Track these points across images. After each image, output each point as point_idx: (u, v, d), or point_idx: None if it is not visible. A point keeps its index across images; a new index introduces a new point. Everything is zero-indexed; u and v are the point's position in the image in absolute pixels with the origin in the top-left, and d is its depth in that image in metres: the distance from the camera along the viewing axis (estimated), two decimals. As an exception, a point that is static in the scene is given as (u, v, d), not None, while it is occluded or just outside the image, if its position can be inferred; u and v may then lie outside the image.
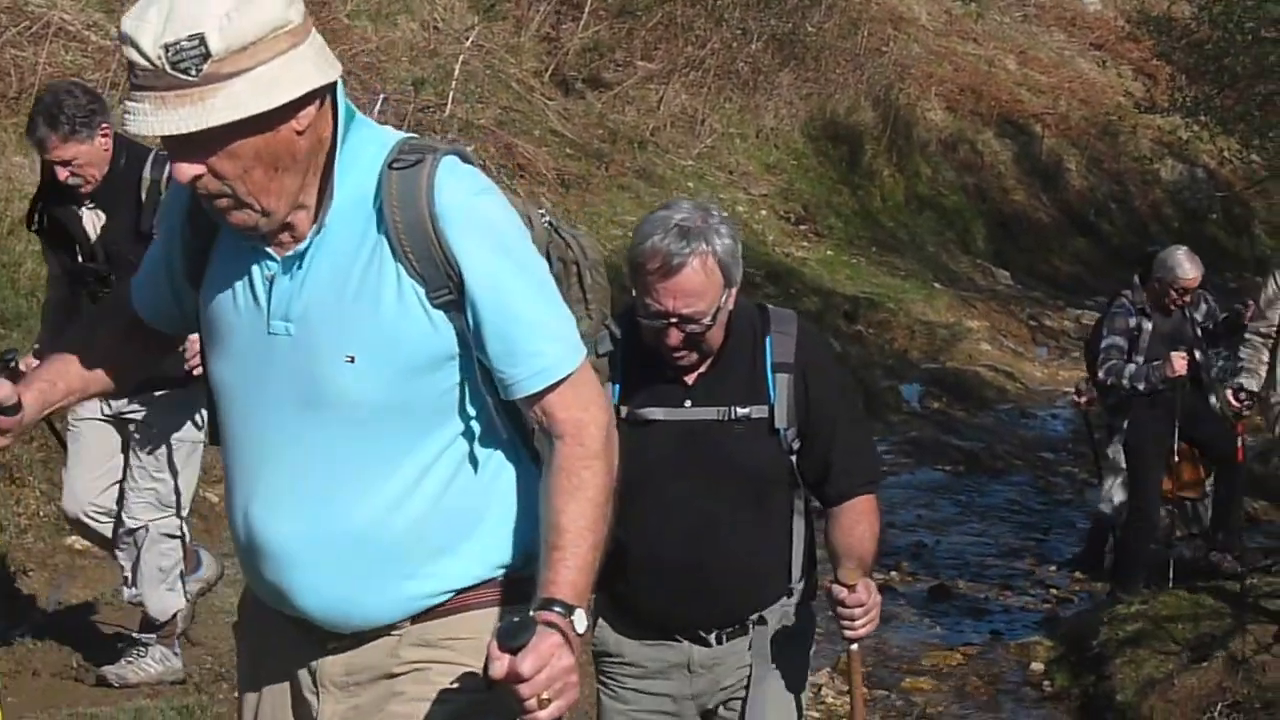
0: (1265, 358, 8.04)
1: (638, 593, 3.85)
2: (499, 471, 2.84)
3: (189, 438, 6.15)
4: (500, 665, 2.47)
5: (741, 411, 3.75)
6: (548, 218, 2.99)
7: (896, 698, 8.06)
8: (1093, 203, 24.02)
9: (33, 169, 8.56)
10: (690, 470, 3.76)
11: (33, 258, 8.92)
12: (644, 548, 3.77)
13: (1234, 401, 8.33)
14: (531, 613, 2.56)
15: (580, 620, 2.58)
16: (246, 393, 2.79)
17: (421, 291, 2.69)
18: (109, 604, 7.30)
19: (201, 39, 2.47)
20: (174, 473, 6.17)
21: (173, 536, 6.29)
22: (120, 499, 6.28)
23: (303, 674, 2.89)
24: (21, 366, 6.12)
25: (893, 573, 10.11)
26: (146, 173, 5.88)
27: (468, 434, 2.79)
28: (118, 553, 6.39)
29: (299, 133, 2.60)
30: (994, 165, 23.30)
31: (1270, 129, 16.63)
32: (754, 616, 3.88)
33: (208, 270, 2.84)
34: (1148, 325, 9.00)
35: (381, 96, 13.86)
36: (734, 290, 3.70)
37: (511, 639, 2.47)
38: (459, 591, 2.82)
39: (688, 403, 3.77)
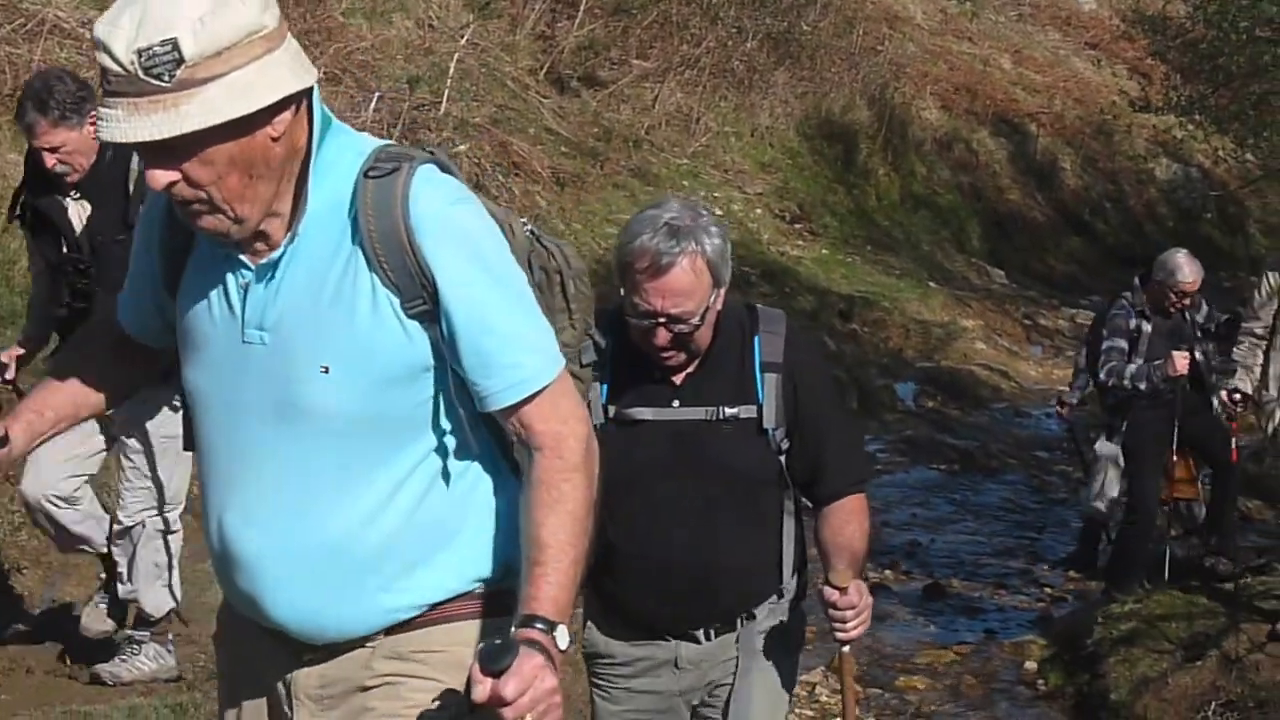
0: (1260, 358, 8.05)
1: (627, 593, 3.85)
2: (476, 483, 2.82)
3: (179, 434, 6.11)
4: (483, 689, 2.45)
5: (730, 411, 3.74)
6: (529, 226, 2.95)
7: (891, 696, 8.06)
8: (1087, 202, 24.02)
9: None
10: (679, 471, 3.75)
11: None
12: (632, 548, 3.78)
13: (1229, 402, 8.34)
14: (513, 629, 2.54)
15: (563, 636, 2.56)
16: (221, 401, 2.77)
17: (396, 302, 2.66)
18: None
19: (175, 44, 2.44)
20: (167, 469, 6.15)
21: (168, 532, 6.28)
22: (118, 497, 6.28)
23: (279, 686, 2.86)
24: (3, 358, 6.14)
25: (887, 571, 10.12)
26: (135, 164, 5.83)
27: (444, 446, 2.77)
28: (113, 549, 6.38)
29: (274, 139, 2.57)
30: (989, 164, 23.31)
31: (1265, 128, 16.62)
32: (743, 614, 3.88)
33: (184, 278, 2.81)
34: (1147, 327, 9.01)
35: (376, 94, 13.85)
36: (723, 290, 3.69)
37: (494, 662, 2.45)
38: (434, 605, 2.79)
39: (676, 403, 3.76)
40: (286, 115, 2.58)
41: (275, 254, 2.68)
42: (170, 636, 6.54)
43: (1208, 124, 17.68)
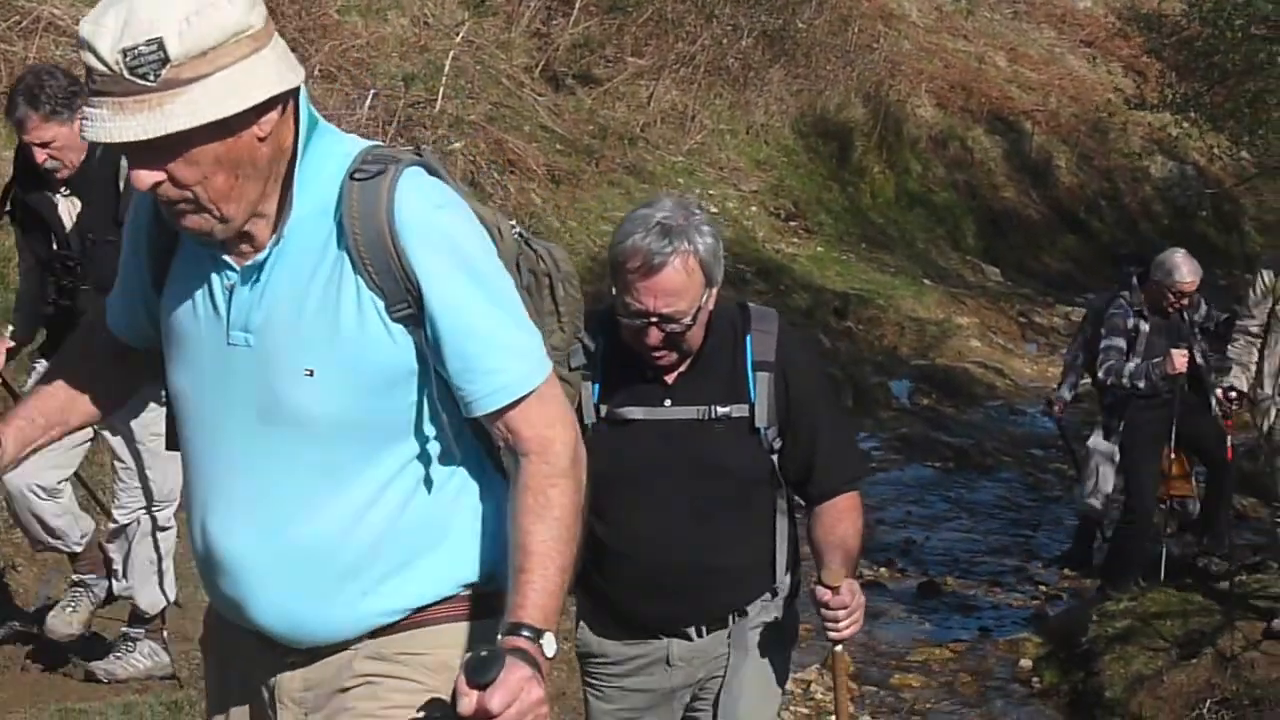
0: (1255, 355, 8.06)
1: (618, 593, 3.85)
2: (462, 487, 2.79)
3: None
4: (469, 701, 2.43)
5: (722, 411, 3.73)
6: (518, 229, 2.92)
7: (886, 694, 8.06)
8: (1082, 200, 24.02)
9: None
10: (670, 470, 3.74)
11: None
12: (624, 548, 3.77)
13: (1224, 400, 8.35)
14: (500, 636, 2.53)
15: (549, 644, 2.54)
16: (204, 402, 2.75)
17: (381, 305, 2.64)
18: (97, 599, 7.29)
19: (160, 44, 2.42)
20: (158, 468, 6.13)
21: (163, 529, 6.27)
22: (116, 495, 6.28)
23: (264, 690, 2.85)
24: None
25: (882, 569, 10.13)
26: (125, 161, 5.79)
27: (429, 450, 2.74)
28: (108, 545, 6.38)
29: (261, 139, 2.55)
30: (984, 162, 23.30)
31: (1260, 126, 16.61)
32: (735, 611, 3.88)
33: (169, 277, 2.79)
34: (1145, 327, 9.03)
35: (372, 92, 13.84)
36: (715, 290, 3.67)
37: (480, 674, 2.43)
38: (418, 609, 2.77)
39: (667, 402, 3.75)
40: (273, 115, 2.56)
41: (261, 256, 2.66)
42: (166, 634, 6.53)
43: (1203, 122, 17.67)
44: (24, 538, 6.54)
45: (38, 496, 6.13)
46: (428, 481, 2.75)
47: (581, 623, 3.98)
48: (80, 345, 3.11)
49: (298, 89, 2.61)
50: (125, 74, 2.43)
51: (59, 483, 6.15)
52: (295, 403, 2.66)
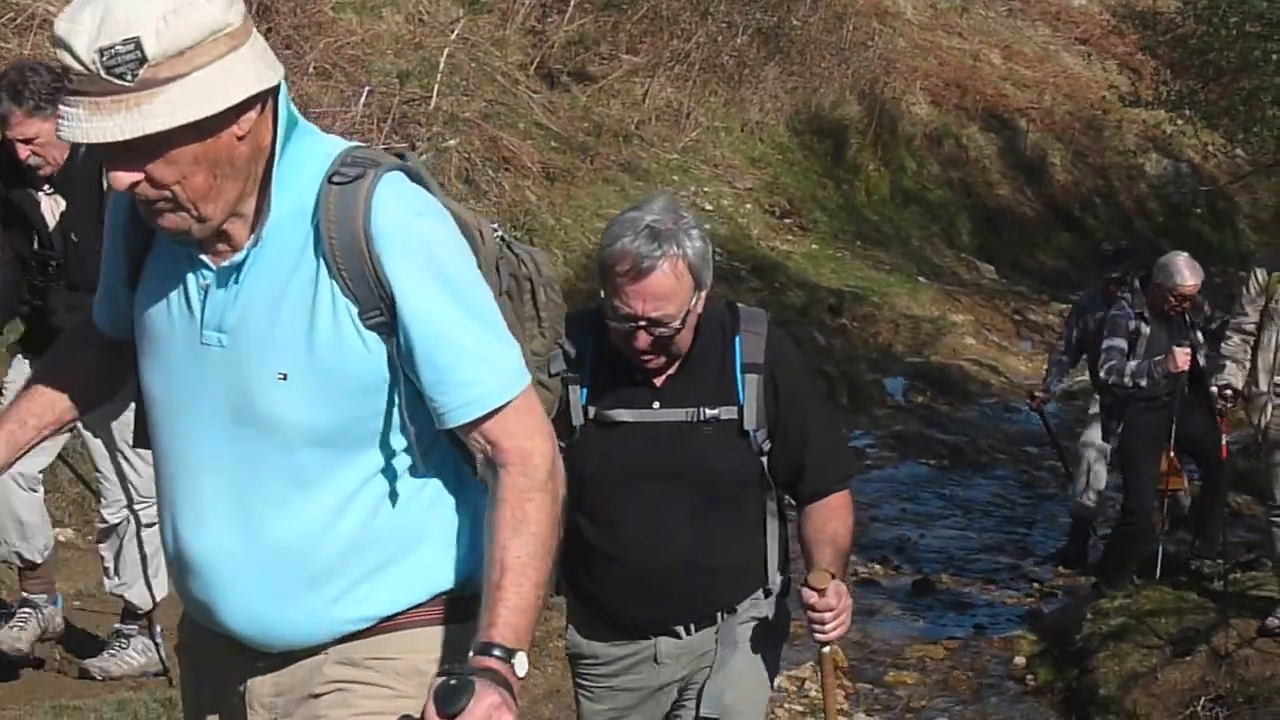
0: (1249, 353, 8.06)
1: (606, 594, 3.84)
2: (437, 494, 2.76)
3: None
4: None
5: (710, 413, 3.71)
6: (500, 233, 2.89)
7: (880, 691, 8.06)
8: (1077, 197, 24.02)
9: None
10: (659, 473, 3.72)
11: None
12: (612, 550, 3.76)
13: (1219, 397, 8.36)
14: (471, 655, 2.50)
15: (521, 663, 2.51)
16: (176, 402, 2.71)
17: (355, 311, 2.60)
18: (91, 596, 7.28)
19: (137, 43, 2.38)
20: (140, 466, 6.09)
21: (148, 526, 6.24)
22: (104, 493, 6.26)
23: (235, 695, 2.82)
24: None
25: (876, 566, 10.14)
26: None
27: (403, 456, 2.70)
28: (100, 544, 6.37)
29: (240, 138, 2.52)
30: (979, 159, 23.30)
31: (1254, 123, 16.62)
32: (723, 610, 3.87)
33: (144, 274, 2.76)
34: (1146, 329, 9.05)
35: (366, 89, 13.84)
36: (704, 293, 3.65)
37: (448, 703, 2.41)
38: (390, 616, 2.74)
39: (656, 404, 3.73)
40: (252, 114, 2.52)
41: (238, 256, 2.62)
42: (158, 631, 6.52)
43: (1198, 119, 17.70)
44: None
45: (19, 486, 6.09)
46: (400, 487, 2.71)
47: (570, 625, 3.98)
48: (69, 341, 3.08)
49: (277, 87, 2.57)
50: (102, 74, 2.40)
51: (39, 472, 6.13)
52: (267, 405, 2.63)
